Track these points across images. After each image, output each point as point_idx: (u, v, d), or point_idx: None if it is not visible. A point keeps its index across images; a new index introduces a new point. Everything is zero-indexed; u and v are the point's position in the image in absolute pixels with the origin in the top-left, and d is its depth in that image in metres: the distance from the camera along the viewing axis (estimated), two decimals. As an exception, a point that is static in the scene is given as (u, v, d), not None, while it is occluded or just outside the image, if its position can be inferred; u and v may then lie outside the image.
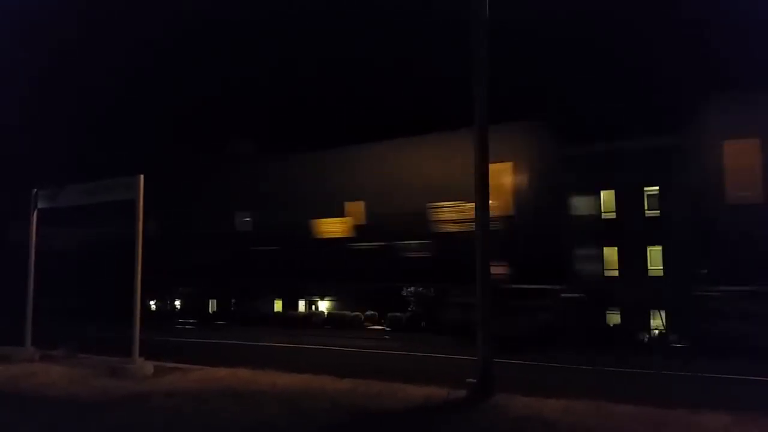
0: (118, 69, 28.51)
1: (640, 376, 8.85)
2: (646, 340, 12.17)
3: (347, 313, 16.09)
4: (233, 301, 17.92)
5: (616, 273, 12.79)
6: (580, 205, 13.49)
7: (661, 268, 12.32)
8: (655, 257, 12.48)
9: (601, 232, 13.22)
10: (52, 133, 28.20)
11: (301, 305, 17.63)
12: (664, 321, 11.79)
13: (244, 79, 26.17)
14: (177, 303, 19.10)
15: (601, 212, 13.35)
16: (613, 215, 12.91)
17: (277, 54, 26.23)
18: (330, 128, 21.08)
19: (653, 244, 12.48)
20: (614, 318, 12.81)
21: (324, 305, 17.27)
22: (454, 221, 13.30)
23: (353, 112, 22.03)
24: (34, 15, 29.65)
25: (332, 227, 14.62)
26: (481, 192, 7.46)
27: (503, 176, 12.95)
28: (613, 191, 13.09)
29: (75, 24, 28.33)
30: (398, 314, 15.17)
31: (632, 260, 12.65)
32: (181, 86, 26.27)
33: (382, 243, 13.83)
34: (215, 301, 18.36)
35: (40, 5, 29.16)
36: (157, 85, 26.95)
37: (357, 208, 14.41)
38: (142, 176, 9.45)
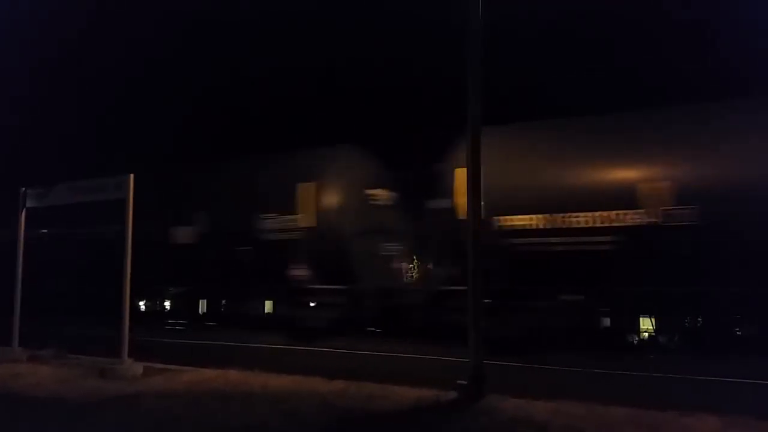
0: (114, 68, 28.49)
1: (630, 378, 8.89)
2: (635, 342, 12.20)
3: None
4: (223, 301, 17.79)
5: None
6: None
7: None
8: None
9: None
10: (45, 131, 28.15)
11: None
12: (653, 323, 11.84)
13: (241, 79, 26.21)
14: (167, 303, 18.96)
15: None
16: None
17: (273, 53, 26.28)
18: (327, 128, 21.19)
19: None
20: (604, 320, 12.82)
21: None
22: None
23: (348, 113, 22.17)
24: (31, 14, 29.50)
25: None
26: (473, 196, 7.49)
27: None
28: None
29: (73, 23, 28.23)
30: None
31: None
32: (177, 86, 26.31)
33: None
34: (205, 301, 18.22)
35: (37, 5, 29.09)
36: (154, 84, 26.98)
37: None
38: (132, 175, 9.41)
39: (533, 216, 11.31)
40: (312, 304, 14.35)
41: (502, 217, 11.46)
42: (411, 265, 15.10)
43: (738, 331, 11.12)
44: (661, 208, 10.37)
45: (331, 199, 13.99)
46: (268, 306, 16.42)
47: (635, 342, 11.85)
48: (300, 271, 13.73)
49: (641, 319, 11.83)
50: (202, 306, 17.43)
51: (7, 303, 10.71)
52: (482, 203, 7.56)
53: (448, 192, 11.98)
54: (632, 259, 10.49)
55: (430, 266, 14.25)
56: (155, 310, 18.56)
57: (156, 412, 6.37)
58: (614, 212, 10.67)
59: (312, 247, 13.66)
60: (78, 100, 28.60)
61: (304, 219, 13.86)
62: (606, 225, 10.71)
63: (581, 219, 10.94)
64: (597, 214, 10.81)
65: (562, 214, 11.07)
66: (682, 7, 19.58)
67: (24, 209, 10.87)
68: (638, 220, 10.49)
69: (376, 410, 6.49)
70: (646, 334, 11.87)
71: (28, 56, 28.61)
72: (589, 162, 11.41)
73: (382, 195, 14.76)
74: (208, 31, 26.92)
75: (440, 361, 10.36)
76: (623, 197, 10.62)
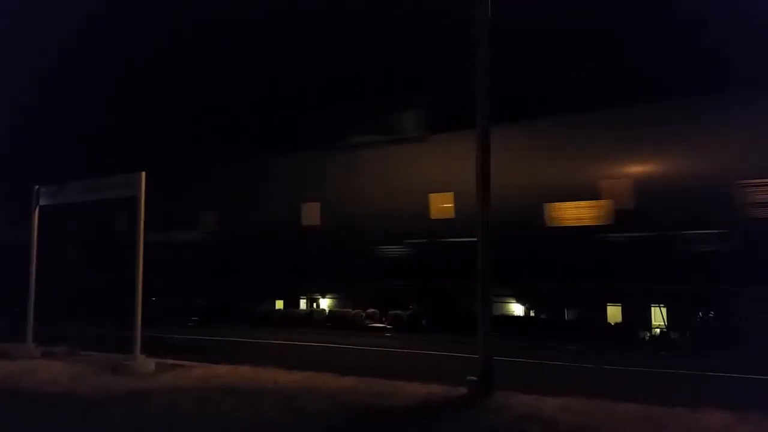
0: (118, 66, 28.56)
1: (641, 374, 8.85)
2: (646, 337, 12.15)
3: (349, 310, 16.05)
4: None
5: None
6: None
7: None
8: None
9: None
10: (53, 129, 28.29)
11: (302, 303, 17.58)
12: (665, 318, 11.79)
13: (244, 79, 26.20)
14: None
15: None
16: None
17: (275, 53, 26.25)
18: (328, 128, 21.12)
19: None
20: (615, 315, 12.78)
21: (325, 303, 17.25)
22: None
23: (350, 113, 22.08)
24: (34, 11, 29.65)
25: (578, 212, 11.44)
26: (482, 191, 7.48)
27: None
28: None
29: (75, 21, 28.33)
30: (399, 312, 15.13)
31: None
32: (179, 85, 26.33)
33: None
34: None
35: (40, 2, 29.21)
36: (159, 82, 27.00)
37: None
38: (143, 173, 9.47)
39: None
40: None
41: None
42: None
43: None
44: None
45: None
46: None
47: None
48: None
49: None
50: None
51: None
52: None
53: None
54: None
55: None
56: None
57: (167, 408, 6.43)
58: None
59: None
60: (81, 100, 28.70)
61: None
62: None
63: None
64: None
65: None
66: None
67: (37, 207, 10.98)
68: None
69: (385, 407, 6.50)
70: None
71: (29, 57, 28.78)
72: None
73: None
74: (223, 30, 26.89)
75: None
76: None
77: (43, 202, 10.93)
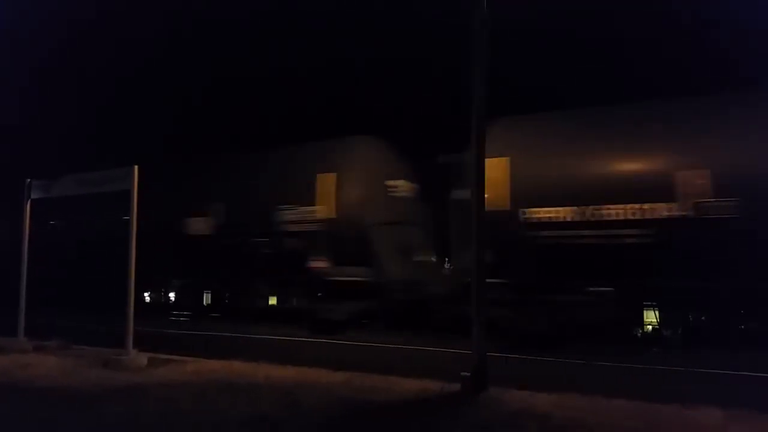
0: (116, 64, 28.46)
1: (633, 371, 8.90)
2: (639, 334, 12.21)
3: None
4: (227, 294, 17.80)
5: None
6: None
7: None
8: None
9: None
10: (49, 125, 28.18)
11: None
12: (657, 315, 11.84)
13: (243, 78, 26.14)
14: (171, 295, 19.04)
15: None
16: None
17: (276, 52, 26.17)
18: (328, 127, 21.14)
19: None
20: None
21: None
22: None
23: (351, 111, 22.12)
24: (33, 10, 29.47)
25: None
26: (477, 188, 7.49)
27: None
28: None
29: (75, 19, 28.19)
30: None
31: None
32: (177, 84, 26.26)
33: None
34: (210, 293, 18.26)
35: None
36: (156, 80, 26.93)
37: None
38: (136, 167, 9.42)
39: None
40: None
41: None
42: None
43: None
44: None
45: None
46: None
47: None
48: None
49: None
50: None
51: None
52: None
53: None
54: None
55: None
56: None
57: (160, 402, 6.41)
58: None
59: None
60: (79, 97, 28.57)
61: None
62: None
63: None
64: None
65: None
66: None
67: (29, 200, 10.90)
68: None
69: (379, 402, 6.51)
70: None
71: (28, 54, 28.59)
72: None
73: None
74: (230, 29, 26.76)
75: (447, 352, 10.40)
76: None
77: (35, 195, 10.85)
